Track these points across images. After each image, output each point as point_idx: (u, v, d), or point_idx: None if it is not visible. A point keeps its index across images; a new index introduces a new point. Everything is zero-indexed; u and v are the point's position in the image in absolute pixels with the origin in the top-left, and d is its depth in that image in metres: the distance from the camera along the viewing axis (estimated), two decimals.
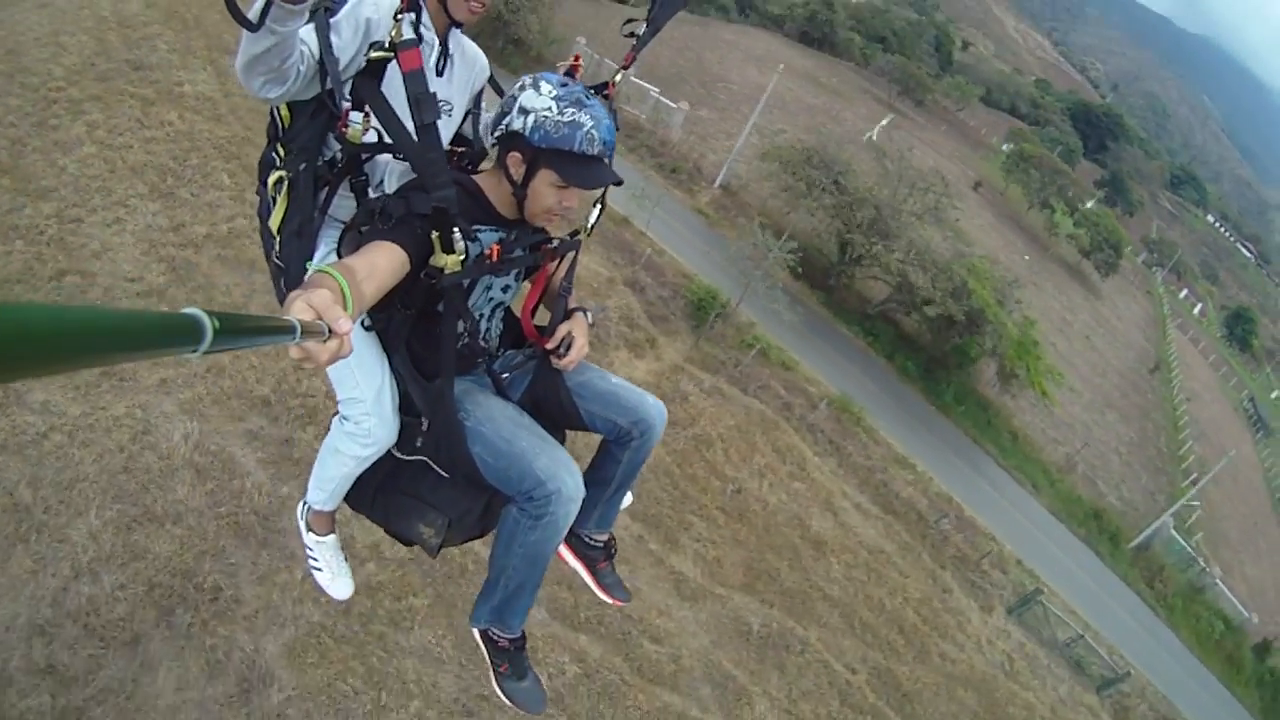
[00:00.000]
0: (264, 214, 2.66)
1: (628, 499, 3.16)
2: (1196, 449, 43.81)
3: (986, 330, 26.91)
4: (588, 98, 2.38)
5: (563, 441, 2.90)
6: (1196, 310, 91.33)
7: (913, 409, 27.97)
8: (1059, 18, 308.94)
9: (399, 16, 2.19)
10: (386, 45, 2.22)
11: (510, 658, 2.89)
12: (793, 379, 23.61)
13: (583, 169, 2.36)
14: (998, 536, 23.87)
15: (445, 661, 10.29)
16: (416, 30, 2.37)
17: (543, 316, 2.94)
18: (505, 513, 2.62)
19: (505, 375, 2.81)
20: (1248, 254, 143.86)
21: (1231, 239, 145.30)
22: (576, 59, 2.83)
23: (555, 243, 2.71)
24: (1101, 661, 21.31)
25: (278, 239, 2.61)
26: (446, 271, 2.30)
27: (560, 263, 2.89)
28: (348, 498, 2.96)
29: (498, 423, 2.56)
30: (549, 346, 2.72)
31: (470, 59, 2.81)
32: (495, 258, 2.45)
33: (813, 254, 28.26)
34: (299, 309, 1.45)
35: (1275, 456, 61.41)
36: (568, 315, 2.81)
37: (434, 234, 2.25)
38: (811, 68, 63.35)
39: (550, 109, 2.32)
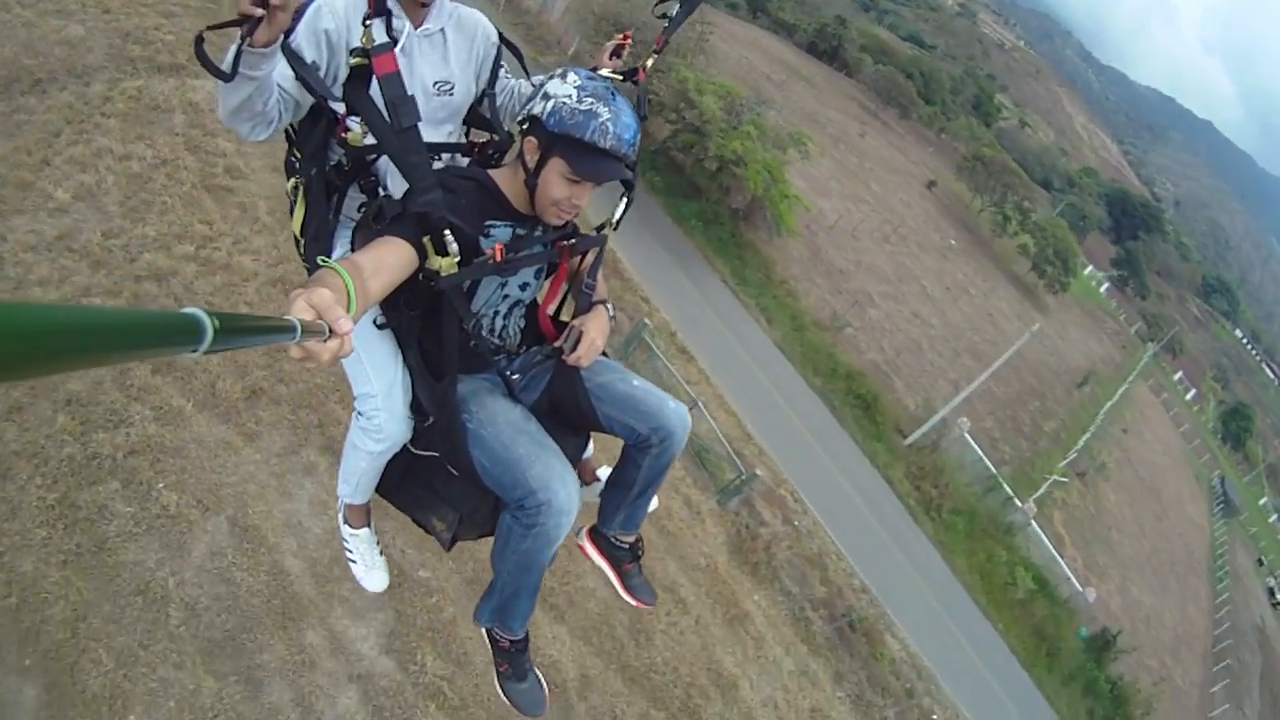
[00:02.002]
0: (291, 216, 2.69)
1: (654, 503, 3.08)
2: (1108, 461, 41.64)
3: (711, 142, 25.92)
4: (614, 96, 2.33)
5: (586, 442, 3.00)
6: (1189, 395, 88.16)
7: (655, 227, 26.44)
8: (1140, 135, 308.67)
9: (368, 23, 2.20)
10: (360, 51, 2.21)
11: (511, 658, 2.89)
12: None
13: (591, 160, 2.30)
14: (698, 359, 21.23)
15: None
16: (389, 32, 2.30)
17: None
18: (501, 518, 2.60)
19: (518, 377, 2.69)
20: (1272, 375, 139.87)
21: (1258, 358, 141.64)
22: (626, 36, 2.90)
23: (575, 239, 2.66)
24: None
25: (302, 241, 2.65)
26: (442, 274, 2.27)
27: (584, 258, 2.80)
28: (381, 489, 2.95)
29: (499, 427, 2.52)
30: (557, 343, 2.63)
31: (469, 29, 2.69)
32: (499, 258, 2.39)
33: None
34: (299, 309, 1.43)
35: (1229, 534, 59.85)
36: (588, 310, 2.69)
37: (425, 237, 2.23)
38: (799, 64, 63.90)
39: (571, 96, 2.29)
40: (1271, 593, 59.64)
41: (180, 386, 8.48)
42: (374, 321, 2.52)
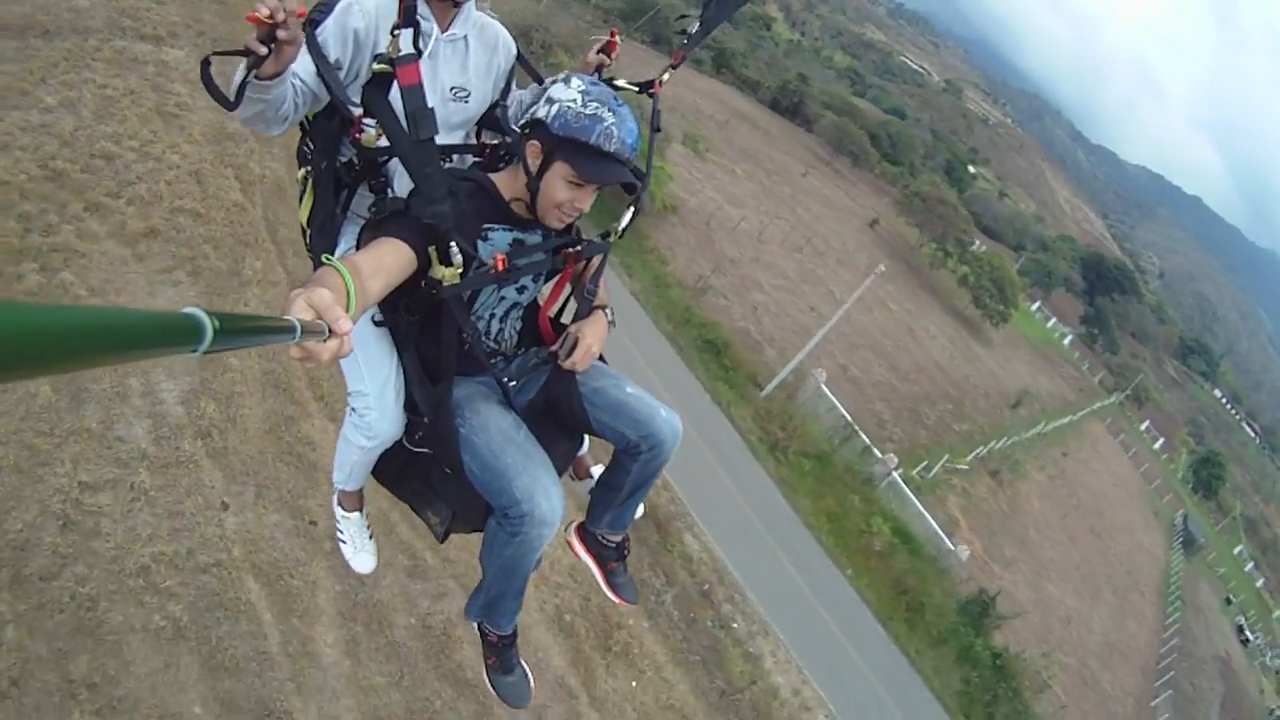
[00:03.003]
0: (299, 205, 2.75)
1: (640, 509, 3.20)
2: (1036, 474, 41.99)
3: None
4: (616, 101, 2.40)
5: (581, 443, 3.06)
6: (1157, 444, 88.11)
7: None
8: (1128, 212, 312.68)
9: (396, 32, 2.17)
10: (386, 59, 2.21)
11: (499, 653, 3.02)
12: None
13: (596, 163, 2.36)
14: None
15: None
16: (415, 44, 2.26)
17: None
18: (488, 522, 2.69)
19: (513, 383, 2.78)
20: (1252, 434, 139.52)
21: (1237, 417, 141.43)
22: (614, 34, 2.92)
23: (580, 246, 2.71)
24: None
25: (308, 231, 2.68)
26: (445, 283, 2.32)
27: (588, 263, 2.87)
28: (376, 473, 3.04)
29: (489, 434, 2.57)
30: (552, 347, 2.72)
31: (490, 40, 2.76)
32: (501, 267, 2.44)
33: None
34: (299, 308, 1.45)
35: (1191, 569, 60.05)
36: (588, 315, 2.79)
37: (430, 247, 2.27)
38: (756, 114, 65.27)
39: (575, 100, 2.35)
40: (1240, 629, 60.07)
41: (102, 220, 10.91)
42: (371, 319, 2.58)
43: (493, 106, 2.84)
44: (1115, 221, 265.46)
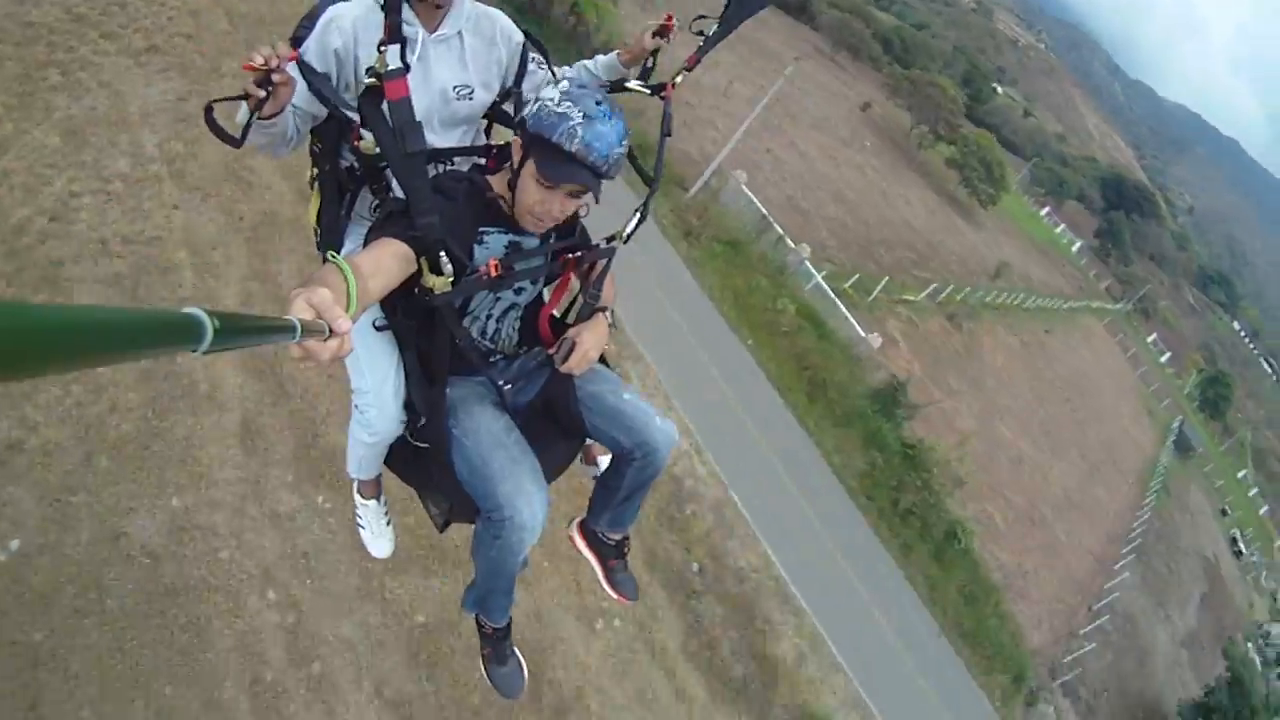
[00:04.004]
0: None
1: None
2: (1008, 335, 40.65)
3: None
4: (598, 104, 2.29)
5: (581, 443, 2.99)
6: (1164, 359, 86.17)
7: None
8: (1163, 149, 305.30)
9: (382, 48, 2.21)
10: (374, 74, 2.23)
11: (494, 644, 3.06)
12: None
13: (554, 163, 2.28)
14: None
15: None
16: (403, 57, 2.29)
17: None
18: (477, 523, 2.68)
19: (509, 386, 2.76)
20: (1269, 369, 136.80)
21: (1256, 352, 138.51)
22: (669, 18, 2.82)
23: (581, 252, 2.68)
24: None
25: (317, 230, 2.76)
26: (436, 291, 2.31)
27: (592, 266, 2.78)
28: (386, 460, 3.04)
29: (480, 437, 2.56)
30: (550, 350, 2.70)
31: (487, 32, 2.70)
32: (494, 273, 2.40)
33: None
34: (299, 308, 1.43)
35: (1184, 470, 60.17)
36: (589, 317, 2.73)
37: (421, 257, 2.28)
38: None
39: (554, 99, 2.29)
40: (1235, 541, 60.19)
41: (112, 42, 12.19)
42: (373, 324, 2.58)
43: (506, 96, 2.81)
44: (1148, 154, 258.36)
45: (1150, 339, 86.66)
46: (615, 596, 3.24)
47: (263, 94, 2.03)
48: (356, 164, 2.59)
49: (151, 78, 12.03)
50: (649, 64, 2.95)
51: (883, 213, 40.32)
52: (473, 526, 2.84)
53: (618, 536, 3.19)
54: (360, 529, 3.62)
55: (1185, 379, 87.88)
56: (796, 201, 32.26)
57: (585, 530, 3.22)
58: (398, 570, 9.09)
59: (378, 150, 2.38)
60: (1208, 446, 74.17)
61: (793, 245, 25.91)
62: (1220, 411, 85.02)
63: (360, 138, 2.40)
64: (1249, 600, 54.76)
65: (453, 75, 2.60)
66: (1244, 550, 61.11)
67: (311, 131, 2.62)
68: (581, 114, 2.25)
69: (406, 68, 2.26)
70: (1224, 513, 64.09)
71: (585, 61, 3.00)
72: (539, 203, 2.36)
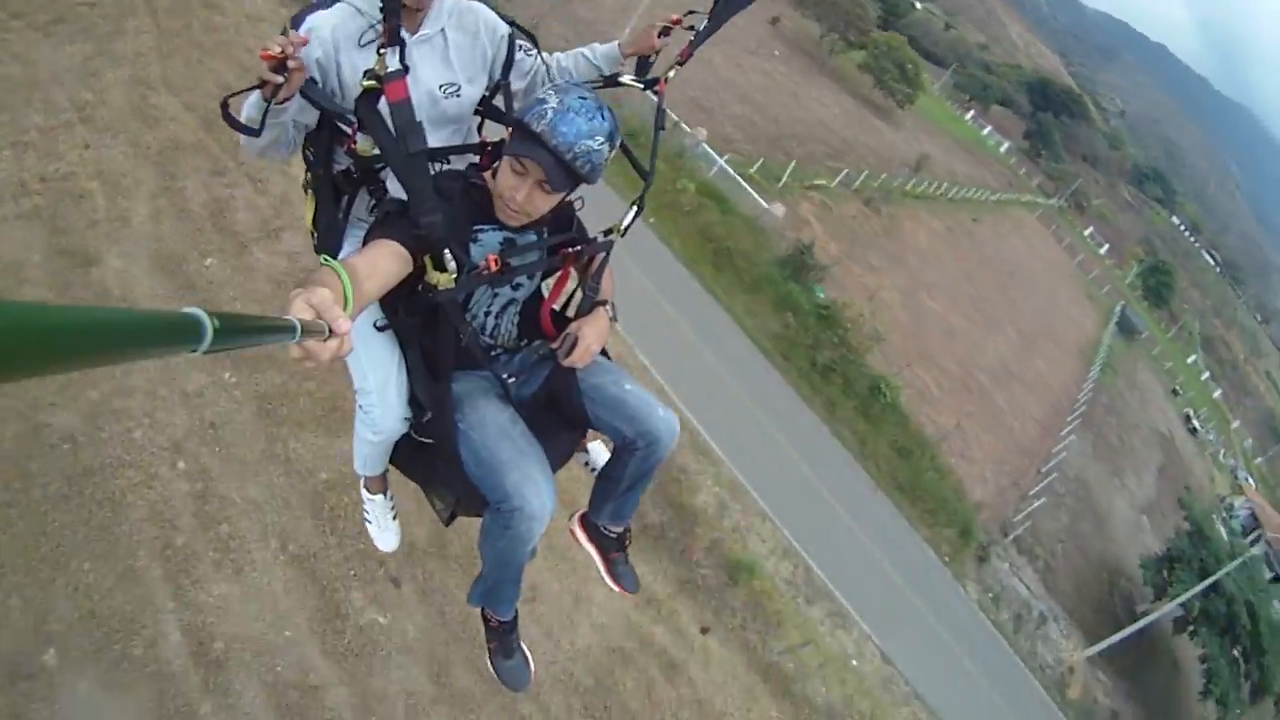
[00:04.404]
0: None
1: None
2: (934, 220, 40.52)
3: None
4: (583, 99, 2.29)
5: (583, 434, 3.06)
6: (1103, 250, 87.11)
7: None
8: (1089, 56, 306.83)
9: (382, 51, 2.23)
10: (374, 76, 2.24)
11: (500, 638, 3.11)
12: None
13: (521, 139, 2.29)
14: None
15: None
16: (402, 59, 2.24)
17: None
18: (485, 515, 2.71)
19: (512, 380, 2.79)
20: (1212, 261, 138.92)
21: (1197, 245, 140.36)
22: (678, 20, 2.88)
23: (579, 246, 2.72)
24: None
25: (314, 234, 2.77)
26: (440, 288, 2.35)
27: (591, 260, 2.79)
28: (393, 459, 3.07)
29: (486, 430, 2.59)
30: (553, 345, 2.70)
31: (470, 26, 2.68)
32: (495, 268, 2.45)
33: None
34: (299, 308, 1.46)
35: (1130, 350, 61.23)
36: (589, 311, 2.75)
37: (425, 255, 2.31)
38: None
39: (545, 89, 2.34)
40: (1189, 419, 61.88)
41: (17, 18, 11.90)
42: (374, 324, 2.60)
43: (496, 89, 2.80)
44: (1075, 62, 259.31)
45: (1087, 232, 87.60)
46: (616, 588, 3.30)
47: (279, 80, 2.07)
48: (352, 168, 2.59)
49: (59, 45, 12.23)
50: (650, 59, 2.97)
51: (793, 112, 40.02)
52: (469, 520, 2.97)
53: (619, 529, 3.21)
54: (367, 523, 3.68)
55: (1126, 270, 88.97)
56: (699, 101, 31.82)
57: (586, 523, 3.23)
58: (301, 430, 9.13)
59: (375, 152, 2.42)
60: (1154, 332, 75.40)
61: (689, 129, 25.79)
62: (1164, 299, 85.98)
63: (355, 142, 2.42)
64: (1210, 475, 56.13)
65: (437, 74, 2.60)
66: (1199, 428, 62.55)
67: (306, 138, 2.63)
68: (559, 100, 2.27)
69: (406, 69, 2.24)
70: (1175, 393, 65.55)
71: (584, 49, 3.00)
72: (509, 188, 2.35)
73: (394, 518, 3.70)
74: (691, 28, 2.84)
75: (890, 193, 38.16)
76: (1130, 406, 51.23)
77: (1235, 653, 28.99)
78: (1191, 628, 28.89)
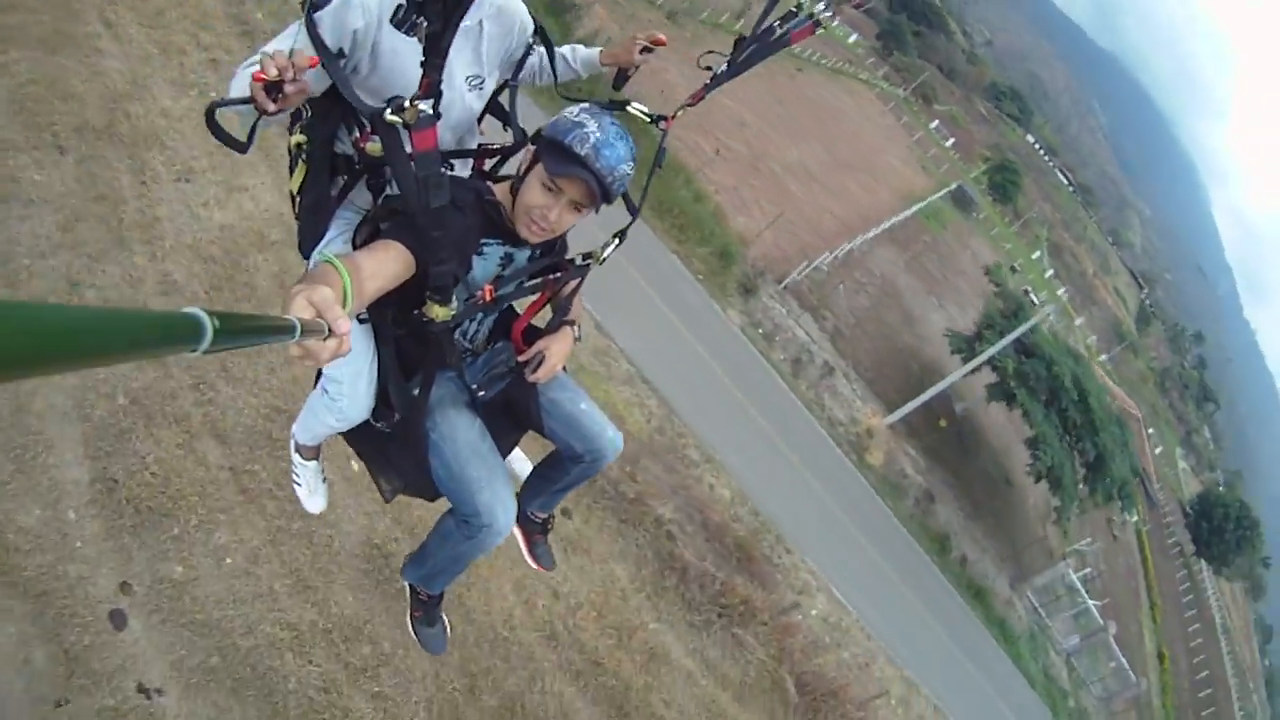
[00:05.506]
0: (290, 169, 2.64)
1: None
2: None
3: None
4: (614, 125, 2.39)
5: (524, 433, 3.16)
6: (949, 144, 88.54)
7: None
8: None
9: (415, 103, 2.06)
10: (400, 112, 2.08)
11: (426, 608, 3.36)
12: None
13: (562, 159, 2.35)
14: None
15: None
16: (435, 108, 2.10)
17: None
18: (445, 519, 2.92)
19: (481, 392, 2.88)
20: (1065, 180, 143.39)
21: (1051, 164, 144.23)
22: (661, 41, 2.89)
23: (560, 274, 2.79)
24: None
25: (296, 201, 2.66)
26: (438, 320, 2.40)
27: (565, 284, 2.90)
28: (346, 436, 3.08)
29: (457, 445, 2.71)
30: (520, 359, 2.82)
31: (507, 22, 2.68)
32: (489, 298, 2.53)
33: None
34: (300, 306, 1.46)
35: (967, 224, 62.73)
36: (557, 329, 2.86)
37: (430, 292, 2.35)
38: None
39: (573, 112, 2.41)
40: (1027, 293, 62.15)
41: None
42: (356, 317, 2.51)
43: (503, 87, 2.80)
44: None
45: (933, 125, 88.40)
46: (536, 566, 3.62)
47: (271, 107, 1.88)
48: (356, 159, 2.49)
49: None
50: (629, 73, 2.98)
51: None
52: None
53: (544, 516, 3.53)
54: (296, 486, 3.76)
55: (973, 167, 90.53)
56: None
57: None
58: None
59: (383, 154, 2.30)
60: (994, 220, 77.23)
61: None
62: (1009, 197, 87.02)
63: (367, 142, 2.34)
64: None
65: (466, 66, 2.56)
66: (1036, 302, 64.81)
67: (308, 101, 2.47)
68: (597, 126, 2.34)
69: (437, 116, 2.12)
70: (1013, 269, 66.32)
71: (563, 48, 2.98)
72: (540, 206, 2.40)
73: (324, 481, 3.82)
74: (709, 68, 2.76)
75: (701, 20, 38.08)
76: (958, 256, 52.79)
77: (1063, 427, 28.03)
78: (1010, 392, 27.49)
